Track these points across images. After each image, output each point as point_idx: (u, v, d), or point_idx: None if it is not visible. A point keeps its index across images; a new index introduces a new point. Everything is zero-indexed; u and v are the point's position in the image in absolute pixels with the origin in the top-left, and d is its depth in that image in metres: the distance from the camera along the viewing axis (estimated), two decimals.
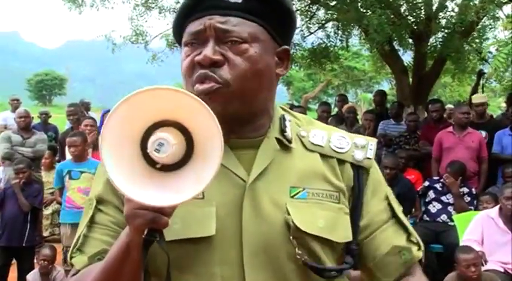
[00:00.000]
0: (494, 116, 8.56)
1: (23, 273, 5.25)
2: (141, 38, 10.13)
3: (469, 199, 5.51)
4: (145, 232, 0.91)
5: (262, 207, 1.04)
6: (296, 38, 10.34)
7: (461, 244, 4.55)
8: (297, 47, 10.30)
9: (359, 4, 8.12)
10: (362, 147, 1.13)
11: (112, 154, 0.87)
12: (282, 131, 1.11)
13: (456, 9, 8.72)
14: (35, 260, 5.33)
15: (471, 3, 8.01)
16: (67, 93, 50.60)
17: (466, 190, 5.55)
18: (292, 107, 8.64)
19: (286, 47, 1.12)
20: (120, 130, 0.87)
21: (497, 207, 4.63)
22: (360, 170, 1.12)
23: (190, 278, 1.03)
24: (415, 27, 8.78)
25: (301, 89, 30.87)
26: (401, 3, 8.53)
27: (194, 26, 1.06)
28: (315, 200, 1.07)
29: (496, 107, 19.07)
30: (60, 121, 10.71)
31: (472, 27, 8.56)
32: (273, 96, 1.14)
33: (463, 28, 8.13)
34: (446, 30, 8.61)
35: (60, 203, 5.83)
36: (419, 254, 1.13)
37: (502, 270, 4.38)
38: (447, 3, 8.84)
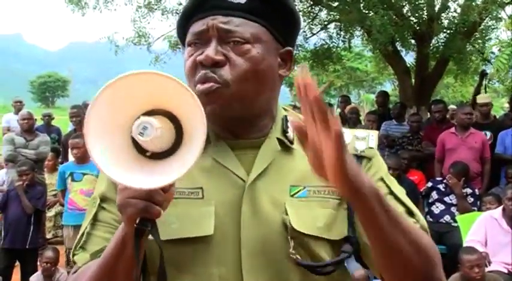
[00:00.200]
0: (497, 117, 8.55)
1: (26, 275, 5.27)
2: (144, 40, 10.15)
3: (472, 199, 5.50)
4: (137, 221, 0.90)
5: (261, 207, 1.04)
6: (298, 39, 10.26)
7: (464, 244, 4.54)
8: (299, 48, 10.30)
9: (361, 5, 8.12)
10: (363, 138, 1.14)
11: (98, 140, 0.87)
12: (284, 131, 1.11)
13: (458, 10, 8.72)
14: (38, 262, 5.34)
15: (473, 3, 8.00)
16: (70, 95, 50.66)
17: (469, 190, 5.54)
18: (294, 108, 8.65)
19: (290, 48, 1.11)
20: (107, 117, 0.87)
21: (501, 208, 4.62)
22: (358, 159, 1.10)
23: (188, 278, 1.03)
24: (418, 28, 8.78)
25: None
26: (404, 4, 8.52)
27: (197, 26, 1.06)
28: (316, 198, 1.07)
29: (499, 108, 19.02)
30: (63, 123, 10.72)
31: (474, 28, 8.55)
32: (276, 97, 1.13)
33: (465, 29, 8.13)
34: (448, 31, 8.61)
35: (63, 205, 5.84)
36: (412, 224, 1.05)
37: (506, 271, 4.37)
38: (449, 4, 8.84)
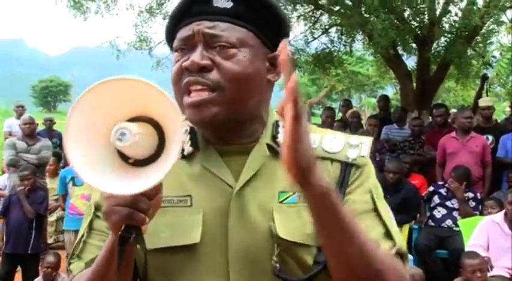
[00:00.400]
0: (499, 121, 8.54)
1: (27, 280, 5.26)
2: (146, 44, 10.17)
3: (474, 204, 5.49)
4: (122, 229, 0.90)
5: (248, 214, 1.04)
6: (300, 43, 10.36)
7: (466, 249, 4.53)
8: (300, 52, 10.31)
9: (362, 9, 8.12)
10: (355, 146, 1.12)
11: (78, 146, 0.87)
12: (274, 137, 1.11)
13: (459, 14, 8.72)
14: (40, 267, 5.34)
15: (474, 7, 8.01)
16: (72, 100, 50.67)
17: (471, 194, 5.53)
18: None
19: (278, 53, 1.11)
20: (88, 123, 0.87)
21: (503, 212, 4.61)
22: (348, 167, 1.09)
23: None
24: (419, 32, 8.78)
25: (305, 94, 30.87)
26: (405, 8, 8.52)
27: (183, 32, 1.06)
28: (306, 204, 1.06)
29: (501, 112, 19.01)
30: None
31: (475, 32, 8.56)
32: (266, 102, 1.12)
33: (466, 33, 8.13)
34: (449, 35, 8.61)
35: (64, 210, 5.84)
36: (388, 249, 1.03)
37: (508, 276, 4.35)
38: (450, 8, 8.84)
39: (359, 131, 7.57)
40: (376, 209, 1.07)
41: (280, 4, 8.72)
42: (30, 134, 6.76)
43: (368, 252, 0.93)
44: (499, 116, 13.86)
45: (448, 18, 8.83)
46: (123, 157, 0.90)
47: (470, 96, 17.53)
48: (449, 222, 5.48)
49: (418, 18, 8.68)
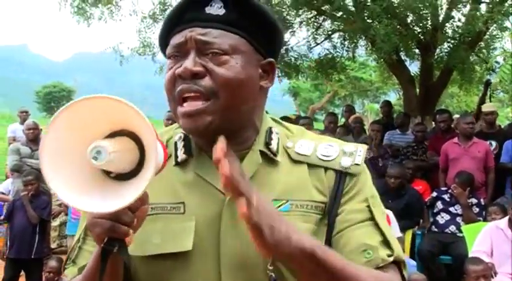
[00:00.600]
0: (502, 127, 8.53)
1: None
2: (149, 50, 10.21)
3: (477, 209, 5.47)
4: (105, 241, 0.90)
5: (240, 222, 1.02)
6: (303, 48, 10.38)
7: (470, 255, 4.51)
8: (303, 58, 10.33)
9: (365, 15, 8.14)
10: (350, 154, 1.11)
11: (54, 163, 0.87)
12: (267, 143, 1.10)
13: (463, 20, 8.73)
14: (43, 272, 5.34)
15: (478, 13, 8.01)
16: None
17: (474, 200, 5.52)
18: (298, 118, 8.65)
19: (271, 59, 1.10)
20: (66, 139, 0.87)
21: (506, 218, 4.60)
22: (342, 176, 1.09)
23: None
24: (422, 38, 8.79)
25: (308, 100, 30.87)
26: (408, 14, 8.54)
27: (176, 39, 1.06)
28: (299, 212, 1.06)
29: (504, 118, 18.98)
30: None
31: (479, 38, 8.57)
32: (259, 109, 1.12)
33: (469, 38, 8.13)
34: (452, 41, 8.61)
35: (67, 215, 5.85)
36: (386, 257, 1.03)
37: None
38: (453, 14, 8.85)
39: (362, 136, 7.57)
40: (373, 218, 1.07)
41: (283, 10, 8.76)
42: (34, 139, 6.77)
43: None
44: (503, 122, 13.86)
45: (451, 23, 8.85)
46: (106, 171, 0.90)
47: (473, 102, 17.51)
48: (452, 228, 5.46)
49: (421, 24, 8.69)
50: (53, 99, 51.62)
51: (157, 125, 1.25)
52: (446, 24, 8.79)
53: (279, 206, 1.05)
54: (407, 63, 9.75)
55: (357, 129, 7.90)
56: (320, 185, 1.09)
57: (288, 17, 9.39)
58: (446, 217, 5.54)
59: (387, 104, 9.12)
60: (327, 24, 10.23)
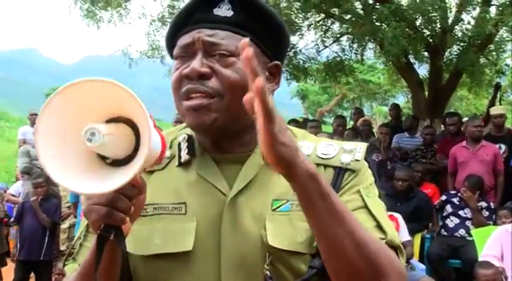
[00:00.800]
0: None
1: None
2: (157, 53, 10.25)
3: (487, 213, 5.44)
4: (101, 228, 0.90)
5: (241, 222, 1.04)
6: (311, 51, 10.38)
7: (480, 259, 4.48)
8: (312, 61, 10.32)
9: (374, 17, 8.13)
10: (350, 151, 1.11)
11: (50, 145, 0.87)
12: None
13: (472, 22, 8.69)
14: (52, 274, 5.37)
15: (487, 16, 7.98)
16: None
17: (484, 204, 5.48)
18: (306, 120, 8.65)
19: (277, 62, 1.11)
20: (61, 125, 0.87)
21: None
22: (341, 171, 1.09)
23: None
24: (431, 41, 8.76)
25: (316, 103, 30.81)
26: (417, 17, 8.51)
27: (184, 40, 1.07)
28: (299, 212, 1.03)
29: None
30: None
31: (488, 40, 8.52)
32: None
33: (479, 41, 8.10)
34: (462, 44, 8.58)
35: (76, 217, 5.87)
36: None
37: None
38: (463, 16, 8.82)
39: (370, 139, 7.55)
40: (365, 206, 1.07)
41: (292, 13, 8.76)
42: None
43: (361, 238, 0.92)
44: None
45: (461, 26, 8.81)
46: (103, 157, 0.91)
47: (483, 105, 17.43)
48: (462, 231, 5.43)
49: (430, 27, 8.66)
50: None
51: (166, 128, 1.26)
52: (456, 26, 8.75)
53: (279, 206, 1.06)
54: (416, 66, 9.71)
55: (365, 132, 7.88)
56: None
57: (296, 20, 9.39)
58: (456, 220, 5.51)
59: (396, 107, 9.10)
60: (336, 27, 10.23)
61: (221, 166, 1.08)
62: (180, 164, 1.11)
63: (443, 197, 5.73)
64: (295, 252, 1.03)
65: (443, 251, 5.34)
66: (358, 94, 24.30)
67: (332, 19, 9.69)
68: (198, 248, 1.03)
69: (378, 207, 1.09)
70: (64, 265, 1.12)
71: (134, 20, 10.11)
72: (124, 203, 0.89)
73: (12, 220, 6.12)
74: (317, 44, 10.17)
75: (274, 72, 1.11)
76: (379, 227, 1.04)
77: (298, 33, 9.83)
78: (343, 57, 10.25)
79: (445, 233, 5.51)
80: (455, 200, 5.59)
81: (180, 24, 1.09)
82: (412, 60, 9.42)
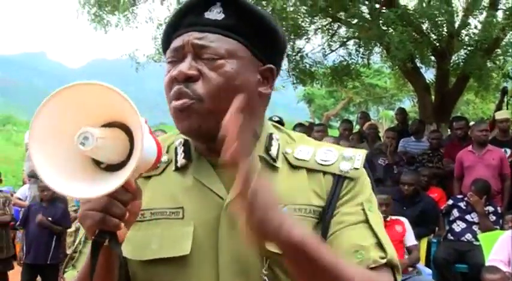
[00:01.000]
0: None
1: None
2: (164, 57, 10.26)
3: (494, 218, 5.41)
4: (96, 233, 0.91)
5: (238, 226, 1.02)
6: (318, 55, 10.38)
7: (487, 264, 4.45)
8: (318, 65, 10.32)
9: (380, 22, 8.12)
10: (349, 159, 1.11)
11: (43, 148, 0.87)
12: (267, 149, 1.10)
13: (479, 27, 8.67)
14: (59, 277, 5.38)
15: (494, 20, 7.96)
16: None
17: (491, 208, 5.46)
18: (312, 125, 8.65)
19: (271, 65, 1.10)
20: (56, 129, 0.87)
21: None
22: (340, 180, 1.09)
23: None
24: (438, 45, 8.74)
25: (323, 107, 30.77)
26: (423, 21, 8.50)
27: (175, 43, 1.07)
28: (296, 217, 1.05)
29: None
30: None
31: (495, 45, 8.50)
32: (258, 114, 1.12)
33: (486, 45, 8.07)
34: (469, 48, 8.56)
35: None
36: (378, 259, 1.03)
37: None
38: (470, 21, 8.79)
39: (376, 143, 7.54)
40: (367, 221, 1.07)
41: (298, 17, 8.77)
42: None
43: None
44: None
45: (468, 30, 8.79)
46: (97, 162, 0.91)
47: (490, 109, 17.35)
48: (469, 236, 5.41)
49: (436, 31, 8.65)
50: None
51: (170, 131, 1.26)
52: (463, 31, 8.73)
53: None
54: (422, 70, 9.69)
55: (371, 135, 7.87)
56: (319, 189, 1.09)
57: (303, 24, 9.39)
58: (463, 225, 5.49)
59: (402, 111, 9.09)
60: (342, 31, 10.22)
61: (218, 169, 1.08)
62: (177, 169, 1.11)
63: (450, 202, 5.71)
64: None
65: (449, 255, 5.32)
66: (365, 98, 24.27)
67: (339, 23, 9.68)
68: (196, 253, 1.03)
69: (379, 223, 1.09)
70: (64, 272, 1.13)
71: (141, 24, 10.15)
72: (118, 209, 0.89)
73: (18, 223, 6.14)
74: (323, 48, 10.17)
75: (267, 76, 1.10)
76: (380, 245, 1.05)
77: (305, 37, 9.83)
78: (350, 62, 10.23)
79: (452, 238, 5.49)
80: (462, 204, 5.56)
81: (173, 28, 1.10)
82: (418, 65, 9.39)
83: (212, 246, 1.03)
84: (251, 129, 1.09)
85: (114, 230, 0.90)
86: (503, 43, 8.84)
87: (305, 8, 8.57)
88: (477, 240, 5.22)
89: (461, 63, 8.80)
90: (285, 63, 10.17)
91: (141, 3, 9.86)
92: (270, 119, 8.15)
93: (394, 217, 4.99)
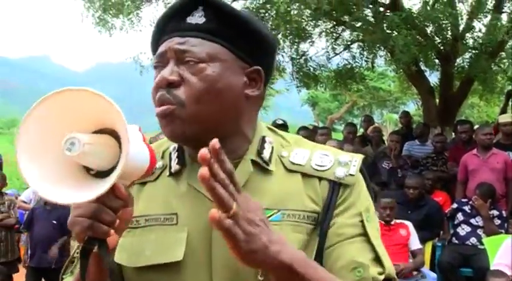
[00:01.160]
0: None
1: None
2: None
3: (499, 222, 5.39)
4: (85, 240, 0.90)
5: None
6: (322, 59, 10.39)
7: (492, 268, 4.44)
8: (322, 68, 10.33)
9: (385, 25, 8.13)
10: (345, 164, 1.09)
11: (31, 154, 0.87)
12: (259, 152, 1.09)
13: (483, 30, 8.66)
14: None
15: (499, 23, 7.95)
16: None
17: (495, 212, 5.43)
18: (316, 128, 8.64)
19: (257, 67, 1.08)
20: (43, 133, 0.87)
21: None
22: (335, 186, 1.07)
23: None
24: (442, 48, 8.74)
25: (327, 110, 30.80)
26: (428, 24, 8.50)
27: (160, 49, 1.07)
28: (290, 222, 1.04)
29: None
30: None
31: (500, 48, 8.49)
32: (248, 117, 1.10)
33: (490, 48, 8.06)
34: (473, 51, 8.55)
35: None
36: (376, 275, 1.02)
37: None
38: (474, 24, 8.79)
39: (380, 147, 7.52)
40: (365, 234, 1.05)
41: (302, 20, 8.78)
42: None
43: None
44: None
45: (472, 33, 8.78)
46: (88, 169, 0.91)
47: (494, 112, 17.32)
48: (473, 240, 5.39)
49: (441, 34, 8.64)
50: None
51: None
52: (467, 34, 8.73)
53: (270, 215, 1.04)
54: (426, 73, 9.69)
55: (375, 139, 7.85)
56: (314, 195, 1.07)
57: (307, 27, 9.40)
58: (467, 228, 5.47)
59: (406, 115, 9.07)
60: (346, 34, 10.23)
61: None
62: (171, 174, 1.10)
63: (455, 205, 5.69)
64: None
65: (454, 259, 5.30)
66: (369, 101, 24.29)
67: (343, 27, 9.69)
68: (189, 259, 1.02)
69: (376, 234, 1.08)
70: (62, 279, 1.13)
71: (145, 27, 10.16)
72: (108, 216, 0.89)
73: (22, 226, 6.15)
74: (328, 52, 10.18)
75: (255, 78, 1.08)
76: (378, 260, 1.04)
77: (309, 40, 9.84)
78: (354, 65, 10.24)
79: (456, 242, 5.47)
80: (466, 208, 5.54)
81: (158, 34, 1.10)
82: (423, 68, 9.39)
83: (206, 252, 1.03)
84: (240, 132, 1.09)
85: (103, 237, 0.90)
86: (508, 46, 8.83)
87: (309, 11, 8.57)
88: (482, 244, 5.20)
89: (466, 67, 8.79)
90: (289, 67, 10.19)
91: (145, 7, 9.89)
92: (274, 122, 8.08)
93: (398, 221, 4.98)
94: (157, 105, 1.04)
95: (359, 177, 1.10)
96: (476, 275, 5.04)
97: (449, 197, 6.21)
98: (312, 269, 0.93)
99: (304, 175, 1.09)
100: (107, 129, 0.90)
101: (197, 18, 1.05)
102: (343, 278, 1.00)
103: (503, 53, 8.97)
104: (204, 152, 0.80)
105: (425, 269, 5.15)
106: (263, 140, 1.11)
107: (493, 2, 8.83)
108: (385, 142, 7.96)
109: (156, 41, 1.10)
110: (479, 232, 5.39)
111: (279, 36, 9.06)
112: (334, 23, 9.69)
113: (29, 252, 5.61)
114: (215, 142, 0.82)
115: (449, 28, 8.48)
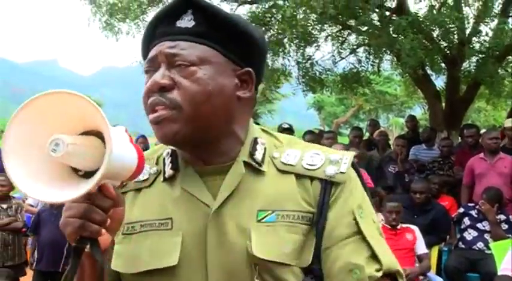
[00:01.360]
0: None
1: None
2: None
3: (506, 226, 5.36)
4: (77, 240, 0.91)
5: (226, 234, 1.03)
6: (328, 63, 10.39)
7: (499, 273, 4.41)
8: (328, 72, 10.33)
9: (391, 29, 8.12)
10: (335, 162, 1.09)
11: (18, 156, 0.88)
12: (251, 154, 1.09)
13: (490, 34, 8.64)
14: None
15: (506, 27, 7.93)
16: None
17: (503, 217, 5.40)
18: (322, 132, 8.63)
19: (249, 69, 1.09)
20: (29, 135, 0.88)
21: None
22: (327, 185, 1.07)
23: None
24: (448, 52, 8.72)
25: (333, 114, 30.78)
26: (434, 28, 8.49)
27: (151, 54, 1.07)
28: (285, 223, 1.04)
29: None
30: None
31: (507, 52, 8.46)
32: (240, 119, 1.11)
33: (497, 52, 8.04)
34: (480, 55, 8.53)
35: None
36: (374, 273, 1.01)
37: None
38: (481, 28, 8.77)
39: (387, 151, 7.50)
40: (359, 232, 1.05)
41: (308, 24, 8.79)
42: None
43: None
44: None
45: (479, 37, 8.76)
46: (76, 170, 0.92)
47: (501, 116, 17.26)
48: (480, 245, 5.36)
49: (447, 38, 8.63)
50: None
51: None
52: (474, 38, 8.71)
53: (265, 216, 1.04)
54: (433, 77, 9.66)
55: (381, 143, 7.83)
56: (307, 195, 1.07)
57: (313, 31, 9.41)
58: (474, 233, 5.44)
59: (413, 119, 9.05)
60: (352, 38, 10.23)
61: (204, 178, 1.08)
62: (165, 180, 1.11)
63: (461, 210, 5.67)
64: (282, 263, 1.02)
65: (461, 264, 5.27)
66: (375, 105, 24.26)
67: (349, 31, 9.69)
68: (184, 263, 1.03)
69: (372, 230, 1.07)
70: None
71: None
72: (98, 215, 0.90)
73: (28, 230, 6.16)
74: (333, 56, 10.18)
75: (246, 79, 1.09)
76: (374, 256, 1.03)
77: (315, 44, 9.86)
78: (360, 69, 10.23)
79: (463, 246, 5.44)
80: (473, 212, 5.52)
81: (148, 39, 1.10)
82: (429, 72, 9.37)
83: (201, 255, 1.03)
84: (232, 134, 1.10)
85: (94, 236, 0.91)
86: None
87: (315, 15, 8.58)
88: (489, 249, 5.17)
89: (473, 71, 8.76)
90: (295, 71, 10.20)
91: (151, 11, 9.93)
92: (280, 126, 8.08)
93: (404, 225, 4.96)
94: (149, 111, 1.04)
95: (351, 174, 1.09)
96: None
97: (456, 201, 6.18)
98: None
99: (298, 176, 1.09)
100: (93, 131, 0.91)
101: (186, 21, 1.06)
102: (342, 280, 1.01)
103: (510, 57, 8.94)
104: None
105: (432, 274, 5.13)
106: (255, 141, 1.12)
107: (500, 6, 8.82)
108: (391, 146, 7.94)
109: (147, 46, 1.11)
110: (486, 236, 5.36)
111: (285, 40, 9.08)
112: (340, 27, 9.70)
113: (36, 255, 5.62)
114: None
115: (455, 32, 8.46)
